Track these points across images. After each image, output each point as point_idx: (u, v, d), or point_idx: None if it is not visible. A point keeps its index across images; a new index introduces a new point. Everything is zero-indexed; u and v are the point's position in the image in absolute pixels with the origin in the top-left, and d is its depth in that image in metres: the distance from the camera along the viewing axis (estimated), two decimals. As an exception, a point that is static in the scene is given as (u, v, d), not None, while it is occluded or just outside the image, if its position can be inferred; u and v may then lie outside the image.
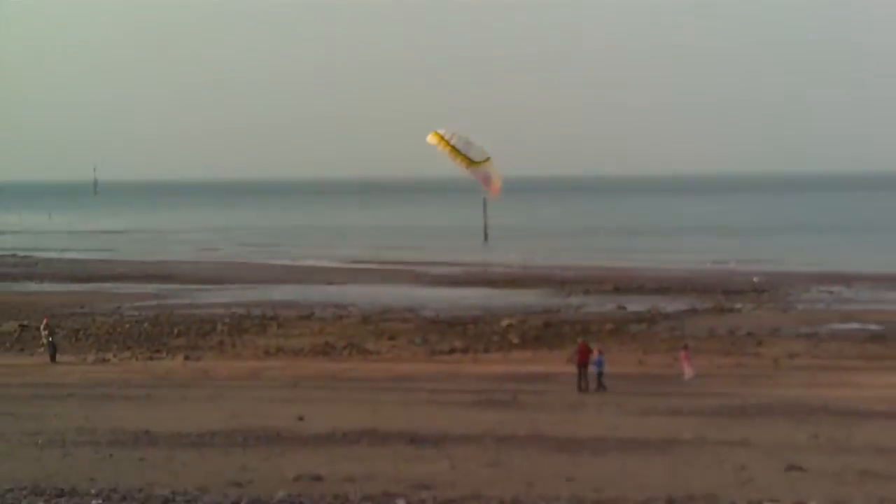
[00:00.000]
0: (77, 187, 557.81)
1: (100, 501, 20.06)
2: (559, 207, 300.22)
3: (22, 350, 65.44)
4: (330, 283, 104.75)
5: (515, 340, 67.81)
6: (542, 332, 70.42)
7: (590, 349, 49.90)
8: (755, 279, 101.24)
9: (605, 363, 49.29)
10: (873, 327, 71.20)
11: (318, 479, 23.92)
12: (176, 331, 71.54)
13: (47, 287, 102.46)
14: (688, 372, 52.24)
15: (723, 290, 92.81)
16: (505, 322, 74.03)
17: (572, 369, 49.25)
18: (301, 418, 35.85)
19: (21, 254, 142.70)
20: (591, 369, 48.81)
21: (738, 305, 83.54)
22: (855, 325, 72.40)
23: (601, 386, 48.16)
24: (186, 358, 61.58)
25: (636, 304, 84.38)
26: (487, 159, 38.17)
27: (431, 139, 36.33)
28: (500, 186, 38.05)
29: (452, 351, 64.57)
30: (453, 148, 34.45)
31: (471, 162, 35.94)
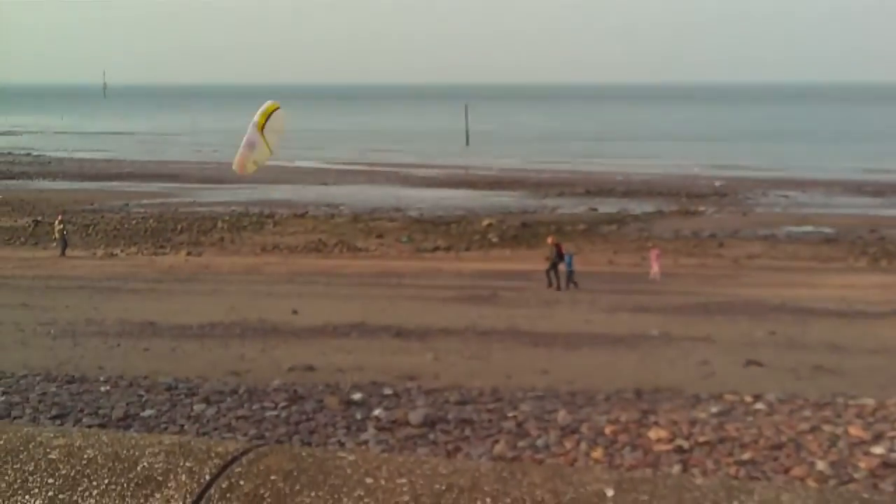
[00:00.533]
0: (88, 90, 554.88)
1: (108, 387, 19.92)
2: (537, 114, 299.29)
3: (36, 244, 65.31)
4: (322, 183, 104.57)
5: (495, 239, 67.82)
6: (520, 231, 70.43)
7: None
8: (717, 183, 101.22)
9: (574, 262, 49.31)
10: (826, 230, 71.26)
11: (310, 369, 23.81)
12: (179, 227, 71.44)
13: (59, 185, 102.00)
14: (655, 270, 52.26)
15: (686, 194, 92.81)
16: (485, 222, 74.03)
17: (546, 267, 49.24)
18: (295, 312, 35.73)
19: (35, 153, 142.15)
20: (561, 268, 48.80)
21: (701, 208, 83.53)
22: (809, 229, 72.44)
23: (572, 283, 48.12)
24: (188, 254, 61.52)
25: (607, 207, 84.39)
26: (269, 147, 34.43)
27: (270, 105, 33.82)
28: (246, 168, 33.91)
29: (436, 249, 64.59)
30: (266, 114, 31.47)
31: (261, 126, 32.43)
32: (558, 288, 47.59)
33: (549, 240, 51.52)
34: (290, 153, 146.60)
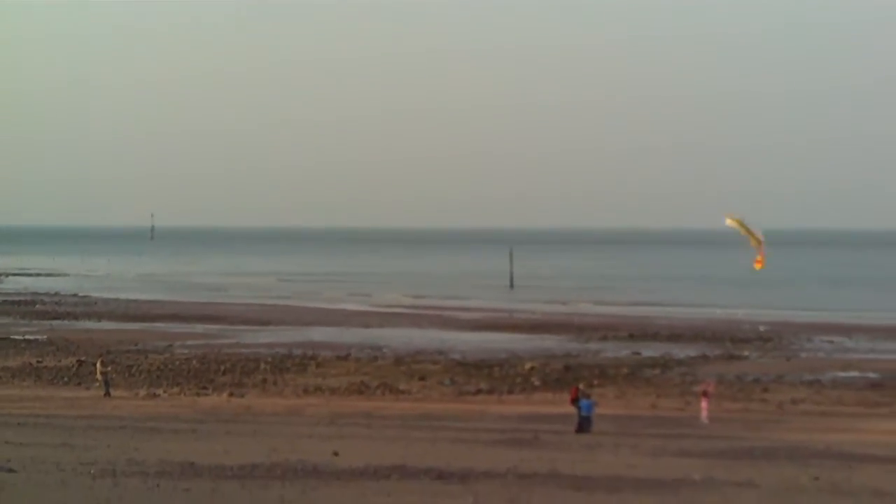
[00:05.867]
0: (137, 232, 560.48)
1: (147, 529, 19.84)
2: (580, 258, 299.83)
3: (79, 384, 65.50)
4: (365, 325, 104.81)
5: (537, 383, 67.60)
6: (563, 375, 70.14)
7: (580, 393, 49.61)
8: (761, 328, 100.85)
9: (594, 408, 48.82)
10: (872, 375, 70.77)
11: (350, 512, 23.68)
12: (222, 369, 71.58)
13: (104, 325, 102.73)
14: (704, 415, 51.90)
15: (731, 339, 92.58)
16: (528, 365, 73.84)
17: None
18: (336, 453, 35.60)
19: (81, 294, 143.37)
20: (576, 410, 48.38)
21: (746, 353, 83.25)
22: (854, 374, 71.93)
23: (582, 428, 47.42)
24: (231, 395, 61.52)
25: (650, 350, 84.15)
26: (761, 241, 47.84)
27: (730, 222, 47.21)
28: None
29: (478, 392, 64.42)
30: (747, 229, 44.42)
31: (758, 241, 46.97)
32: (580, 431, 47.02)
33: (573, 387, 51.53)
34: (333, 295, 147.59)
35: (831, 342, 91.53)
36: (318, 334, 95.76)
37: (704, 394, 54.44)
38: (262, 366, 73.18)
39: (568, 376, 69.07)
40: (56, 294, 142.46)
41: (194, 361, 74.96)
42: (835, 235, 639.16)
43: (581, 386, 51.95)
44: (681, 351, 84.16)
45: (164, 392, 62.63)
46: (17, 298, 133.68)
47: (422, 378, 69.11)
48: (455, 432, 45.63)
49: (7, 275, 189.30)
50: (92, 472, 29.64)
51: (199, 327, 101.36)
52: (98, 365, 62.90)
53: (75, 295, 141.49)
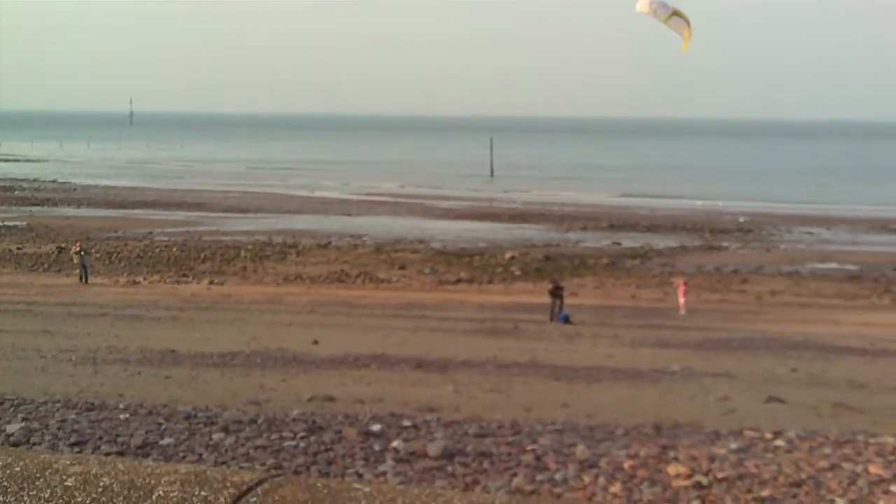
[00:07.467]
0: (114, 118, 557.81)
1: (127, 415, 19.84)
2: (561, 147, 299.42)
3: (59, 271, 65.45)
4: (346, 214, 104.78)
5: (517, 272, 67.82)
6: (543, 265, 70.38)
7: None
8: (741, 219, 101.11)
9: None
10: (850, 267, 71.11)
11: (330, 399, 23.70)
12: (202, 256, 71.58)
13: (83, 212, 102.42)
14: (681, 303, 52.25)
15: (710, 229, 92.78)
16: (508, 255, 74.05)
17: (569, 301, 49.28)
18: (316, 342, 35.72)
19: (60, 180, 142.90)
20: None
21: (725, 244, 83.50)
22: (833, 265, 72.27)
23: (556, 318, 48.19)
24: (211, 282, 61.61)
25: (630, 241, 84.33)
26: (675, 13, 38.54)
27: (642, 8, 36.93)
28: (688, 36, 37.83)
29: (459, 281, 64.63)
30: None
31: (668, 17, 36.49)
32: (551, 320, 47.71)
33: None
34: (312, 183, 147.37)
35: (811, 234, 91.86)
36: (299, 222, 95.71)
37: (685, 283, 54.88)
38: (243, 253, 73.22)
39: (548, 266, 69.38)
40: (35, 180, 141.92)
41: (174, 249, 74.94)
42: (820, 126, 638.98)
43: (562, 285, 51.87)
44: (660, 241, 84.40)
45: (145, 279, 62.66)
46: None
47: (402, 267, 69.27)
48: (435, 321, 45.81)
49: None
50: (73, 359, 29.66)
51: (178, 214, 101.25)
52: (75, 252, 62.70)
53: (55, 181, 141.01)
